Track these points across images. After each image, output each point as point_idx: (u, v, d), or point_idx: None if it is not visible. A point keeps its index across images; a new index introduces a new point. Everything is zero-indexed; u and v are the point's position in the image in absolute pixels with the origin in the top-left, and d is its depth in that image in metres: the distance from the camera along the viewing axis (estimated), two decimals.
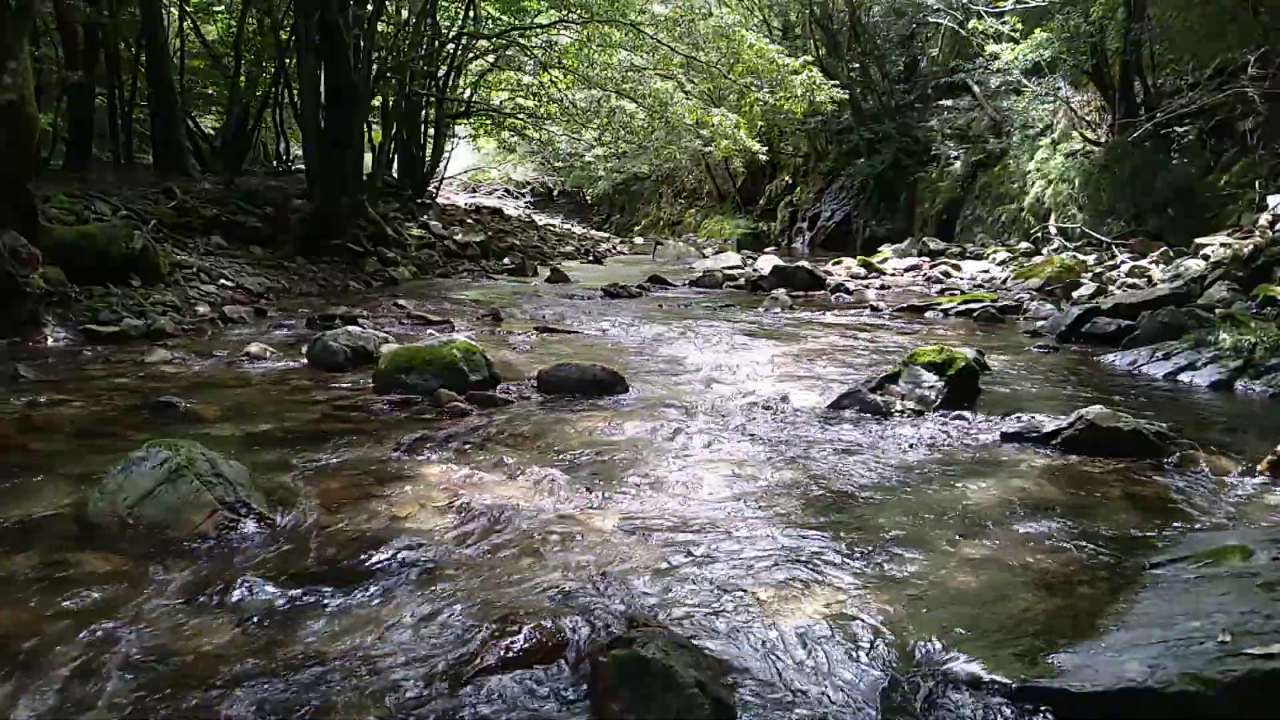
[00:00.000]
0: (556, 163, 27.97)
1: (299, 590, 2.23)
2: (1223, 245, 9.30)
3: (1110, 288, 8.84)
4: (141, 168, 11.92)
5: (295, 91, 11.94)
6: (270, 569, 2.34)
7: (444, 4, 14.19)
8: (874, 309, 8.65)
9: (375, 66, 11.42)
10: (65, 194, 8.11)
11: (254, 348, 5.39)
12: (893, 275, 12.27)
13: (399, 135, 15.41)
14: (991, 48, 13.57)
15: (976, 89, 16.45)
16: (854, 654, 1.96)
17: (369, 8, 10.86)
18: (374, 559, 2.42)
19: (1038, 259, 11.73)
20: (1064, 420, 3.65)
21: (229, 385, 4.65)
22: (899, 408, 4.16)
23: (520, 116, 17.77)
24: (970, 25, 14.01)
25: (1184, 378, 5.07)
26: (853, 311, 8.52)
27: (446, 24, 14.68)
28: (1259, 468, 3.19)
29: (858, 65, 19.20)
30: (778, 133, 20.79)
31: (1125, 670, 1.76)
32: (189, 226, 8.97)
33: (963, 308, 8.34)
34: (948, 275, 11.67)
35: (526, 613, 2.10)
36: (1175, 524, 2.76)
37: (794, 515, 2.81)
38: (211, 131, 14.93)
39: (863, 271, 12.40)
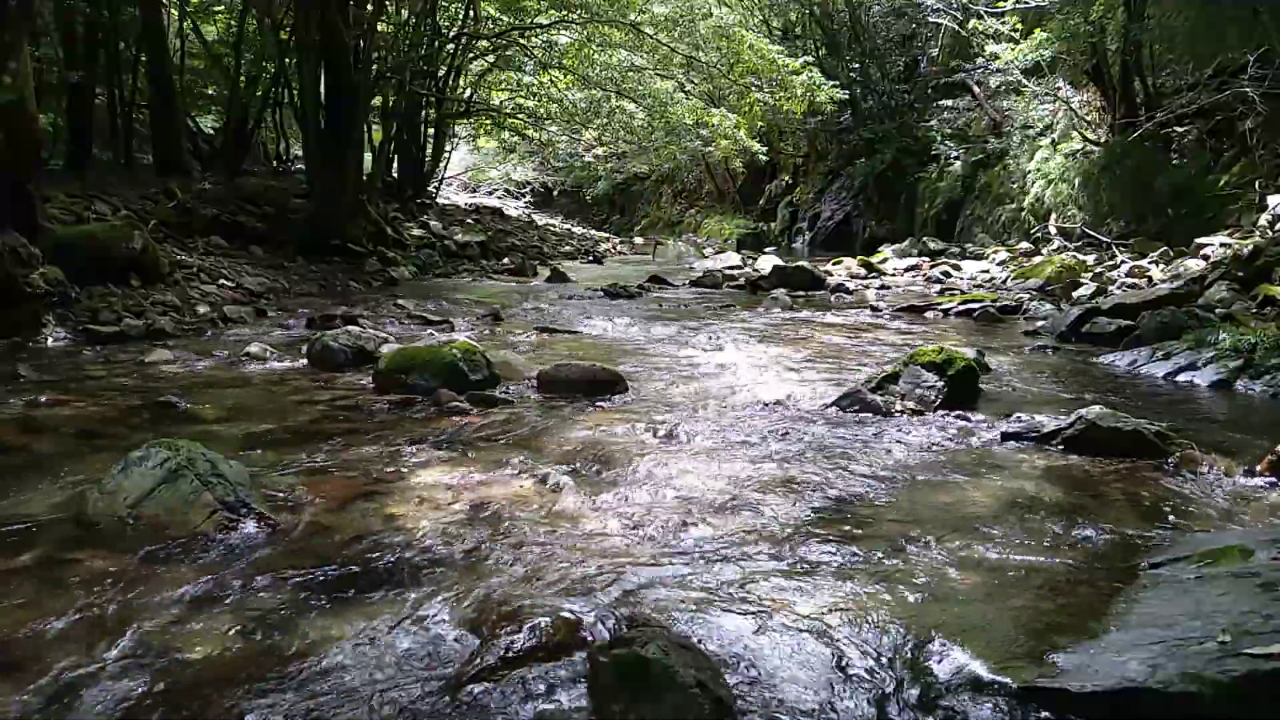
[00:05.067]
0: (556, 163, 27.97)
1: (299, 590, 2.23)
2: (1223, 245, 9.30)
3: (1110, 288, 8.84)
4: (141, 168, 11.90)
5: (295, 91, 11.94)
6: (270, 569, 2.34)
7: (444, 4, 14.19)
8: (874, 309, 8.65)
9: (375, 66, 11.41)
10: (65, 194, 8.11)
11: (254, 348, 5.39)
12: (893, 275, 12.27)
13: (399, 135, 15.40)
14: (991, 48, 13.56)
15: (976, 89, 16.44)
16: (854, 654, 1.96)
17: (369, 8, 10.86)
18: (374, 559, 2.42)
19: (1038, 259, 11.72)
20: (1064, 420, 3.65)
21: (229, 385, 4.65)
22: (899, 408, 4.16)
23: (520, 116, 17.76)
24: (970, 25, 14.01)
25: (1184, 378, 5.07)
26: (853, 311, 8.52)
27: (446, 24, 14.67)
28: (1259, 468, 3.19)
29: (858, 65, 19.19)
30: (778, 133, 20.78)
31: (1126, 670, 1.76)
32: (189, 226, 8.97)
33: (963, 308, 8.34)
34: (948, 275, 11.67)
35: (526, 612, 2.09)
36: (1175, 524, 2.76)
37: (794, 515, 2.81)
38: (211, 131, 14.92)
39: (863, 271, 12.40)
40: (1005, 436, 3.72)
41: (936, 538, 2.63)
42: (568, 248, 17.39)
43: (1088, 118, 13.36)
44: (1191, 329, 5.68)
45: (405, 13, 12.93)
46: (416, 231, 13.02)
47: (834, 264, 12.97)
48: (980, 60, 14.92)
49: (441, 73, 15.49)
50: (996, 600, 2.22)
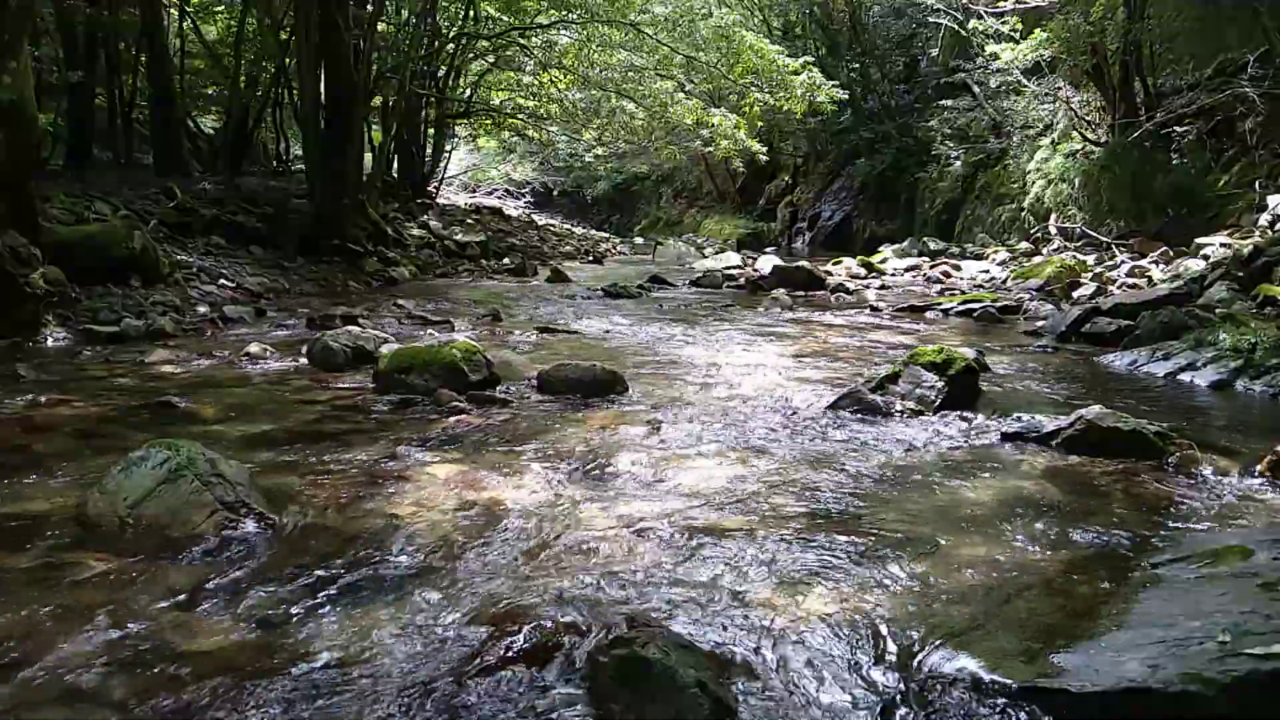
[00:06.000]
0: (556, 163, 28.00)
1: (299, 590, 2.22)
2: (1223, 245, 9.31)
3: (1110, 288, 8.85)
4: (141, 168, 11.91)
5: (295, 91, 11.94)
6: (270, 569, 2.34)
7: (444, 4, 14.19)
8: (874, 309, 8.65)
9: (375, 66, 11.41)
10: (65, 194, 8.11)
11: (254, 348, 5.39)
12: (893, 275, 12.28)
13: (399, 135, 15.40)
14: (991, 48, 13.57)
15: (976, 89, 16.45)
16: (854, 654, 1.96)
17: (369, 8, 10.86)
18: (374, 559, 2.42)
19: (1038, 259, 11.73)
20: (1064, 420, 3.65)
21: (229, 385, 4.65)
22: (899, 408, 4.16)
23: (520, 116, 17.77)
24: (970, 25, 14.02)
25: (1184, 378, 5.07)
26: (853, 311, 8.52)
27: (446, 24, 14.68)
28: (1259, 468, 3.19)
29: (858, 65, 19.20)
30: (778, 133, 20.79)
31: (1125, 670, 1.75)
32: (189, 226, 8.97)
33: (963, 308, 8.34)
34: (948, 275, 11.67)
35: (526, 613, 2.10)
36: (1175, 524, 2.76)
37: (793, 515, 2.81)
38: (211, 131, 14.92)
39: (863, 271, 12.40)
40: (1005, 436, 3.71)
41: (936, 537, 2.62)
42: (568, 248, 17.40)
43: (1088, 118, 13.36)
44: (1191, 329, 5.68)
45: (405, 13, 12.93)
46: (416, 231, 13.03)
47: (834, 264, 12.98)
48: (980, 60, 14.93)
49: (441, 73, 15.50)
50: (996, 600, 2.22)
